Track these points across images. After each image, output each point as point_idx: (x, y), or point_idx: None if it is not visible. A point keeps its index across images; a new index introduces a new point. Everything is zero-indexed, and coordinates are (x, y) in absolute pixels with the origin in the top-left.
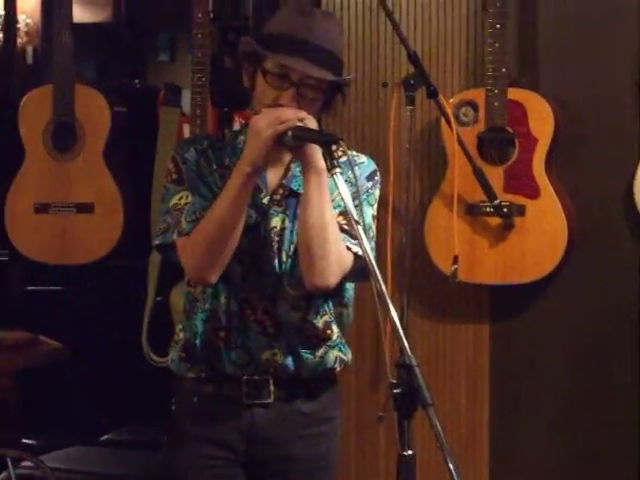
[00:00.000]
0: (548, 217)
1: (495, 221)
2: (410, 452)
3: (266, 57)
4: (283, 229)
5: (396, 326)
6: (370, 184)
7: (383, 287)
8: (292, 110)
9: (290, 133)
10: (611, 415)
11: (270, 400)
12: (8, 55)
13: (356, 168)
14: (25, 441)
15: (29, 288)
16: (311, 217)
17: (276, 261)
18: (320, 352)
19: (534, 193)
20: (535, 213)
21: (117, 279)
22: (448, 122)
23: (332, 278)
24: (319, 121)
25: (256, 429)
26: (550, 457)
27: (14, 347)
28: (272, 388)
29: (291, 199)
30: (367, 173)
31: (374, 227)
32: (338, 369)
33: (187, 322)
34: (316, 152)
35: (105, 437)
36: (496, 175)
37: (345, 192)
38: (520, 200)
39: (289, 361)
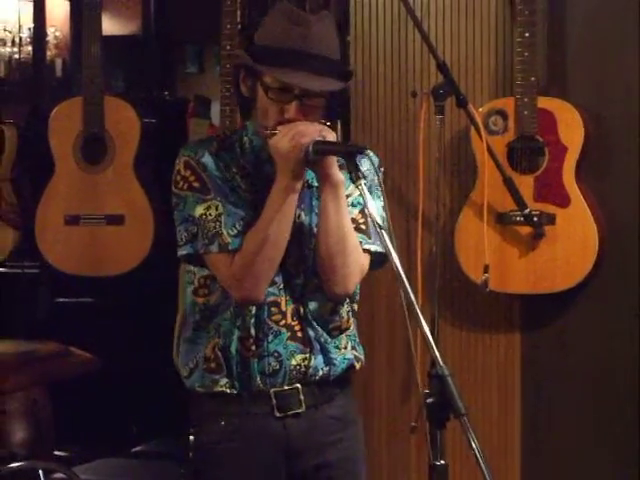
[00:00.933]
0: (578, 226)
1: (525, 230)
2: (442, 462)
3: (262, 72)
4: (301, 223)
5: (427, 336)
6: (376, 178)
7: (412, 297)
8: (309, 125)
9: (311, 148)
10: None
11: (302, 409)
12: (38, 67)
13: (362, 163)
14: (57, 453)
15: (60, 300)
16: (330, 229)
17: (300, 257)
18: (343, 343)
19: (564, 202)
20: (565, 222)
21: (147, 291)
22: (478, 131)
23: (351, 286)
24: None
25: (292, 441)
26: (583, 467)
27: (46, 359)
28: (302, 397)
29: (305, 191)
30: (374, 167)
31: (387, 218)
32: (357, 367)
33: (198, 332)
34: (333, 164)
35: (136, 449)
36: (526, 184)
37: (371, 204)
38: (550, 209)
39: (320, 361)
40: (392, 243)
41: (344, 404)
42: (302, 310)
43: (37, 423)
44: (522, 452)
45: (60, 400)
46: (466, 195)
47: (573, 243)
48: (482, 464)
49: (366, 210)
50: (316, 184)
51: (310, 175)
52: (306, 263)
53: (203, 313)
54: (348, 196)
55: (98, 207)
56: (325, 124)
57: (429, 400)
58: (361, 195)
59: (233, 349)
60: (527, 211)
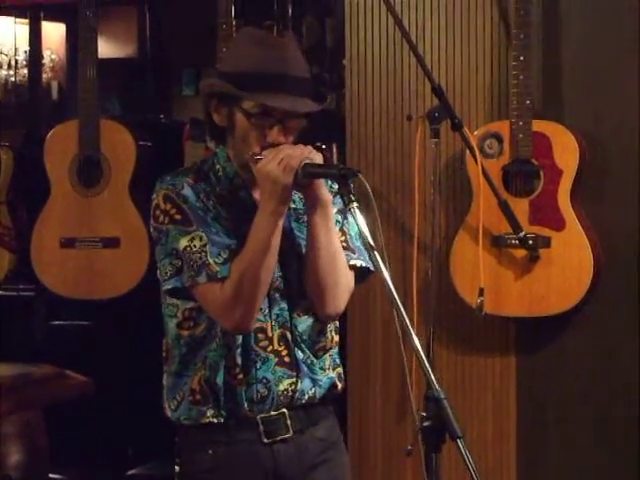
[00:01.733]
0: (574, 249)
1: (521, 253)
2: None
3: (243, 98)
4: (283, 246)
5: (422, 359)
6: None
7: (407, 319)
8: (296, 148)
9: (301, 171)
10: None
11: (289, 434)
12: (33, 90)
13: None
14: (52, 476)
15: (55, 323)
16: (321, 249)
17: (285, 280)
18: (327, 363)
19: (559, 225)
20: (561, 245)
21: (143, 314)
22: (473, 154)
23: (342, 305)
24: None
25: (279, 467)
26: None
27: (41, 382)
28: (289, 422)
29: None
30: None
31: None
32: (339, 386)
33: (185, 366)
34: (322, 185)
35: (131, 472)
36: (521, 207)
37: (364, 226)
38: (545, 232)
39: (306, 384)
40: (385, 265)
41: (329, 425)
42: (289, 334)
43: (32, 446)
44: (518, 476)
45: (55, 423)
46: (461, 218)
47: (568, 266)
48: None
49: (361, 231)
50: (293, 206)
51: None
52: (291, 287)
53: (189, 346)
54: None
55: (94, 230)
56: (320, 147)
57: (425, 423)
58: (338, 212)
59: (220, 380)
60: (522, 234)
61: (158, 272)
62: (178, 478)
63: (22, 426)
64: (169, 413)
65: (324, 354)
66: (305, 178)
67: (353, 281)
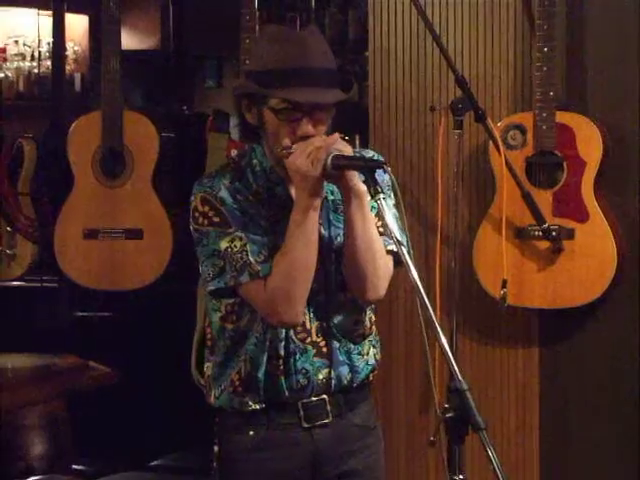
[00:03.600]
0: (597, 241)
1: (544, 245)
2: (461, 477)
3: (269, 96)
4: (322, 238)
5: (446, 350)
6: (388, 190)
7: (430, 310)
8: (325, 139)
9: (330, 162)
10: None
11: (329, 419)
12: (56, 82)
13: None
14: (75, 467)
15: (78, 314)
16: (358, 238)
17: (323, 272)
18: (366, 349)
19: (583, 217)
20: (584, 237)
21: (166, 305)
22: (496, 146)
23: (382, 290)
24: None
25: (319, 451)
26: None
27: (64, 372)
28: (329, 407)
29: (322, 206)
30: (386, 179)
31: (406, 232)
32: (376, 370)
33: (231, 357)
34: (354, 175)
35: (154, 463)
36: (545, 199)
37: (390, 218)
38: (569, 224)
39: (344, 371)
40: (410, 257)
41: (367, 410)
42: (326, 325)
43: (56, 437)
44: (540, 468)
45: (79, 414)
46: (485, 210)
47: (592, 258)
48: (501, 478)
49: (385, 221)
50: (332, 197)
51: (326, 188)
52: (329, 279)
53: (233, 339)
54: None
55: (117, 221)
56: (344, 138)
57: (448, 415)
58: (387, 224)
59: (260, 373)
60: (546, 226)
61: (201, 273)
62: (217, 458)
63: (46, 417)
64: (212, 400)
65: (362, 340)
66: (334, 170)
67: (392, 266)
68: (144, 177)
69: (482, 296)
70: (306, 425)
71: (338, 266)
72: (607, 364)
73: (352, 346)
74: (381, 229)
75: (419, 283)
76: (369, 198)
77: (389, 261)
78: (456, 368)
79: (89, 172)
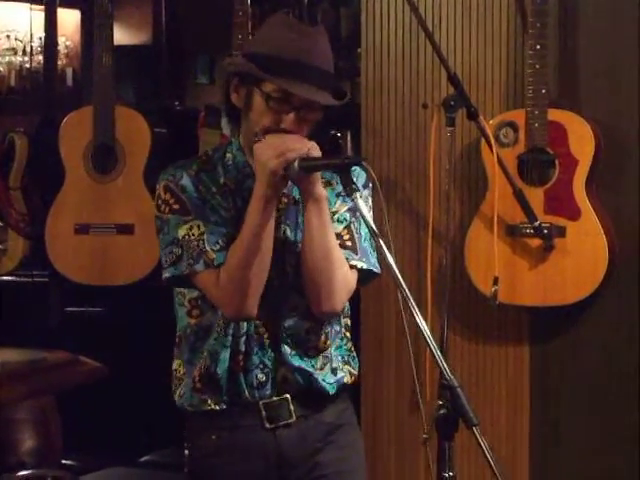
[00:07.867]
0: (588, 238)
1: (535, 242)
2: (451, 474)
3: (265, 80)
4: (286, 239)
5: (431, 345)
6: (367, 192)
7: (418, 316)
8: (297, 140)
9: (297, 164)
10: None
11: (292, 419)
12: (48, 77)
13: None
14: (65, 462)
15: (69, 309)
16: (314, 244)
17: (279, 272)
18: (319, 364)
19: (574, 214)
20: (575, 234)
21: (157, 300)
22: (488, 143)
23: (339, 303)
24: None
25: (283, 452)
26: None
27: (54, 367)
28: (292, 407)
29: (291, 207)
30: (363, 180)
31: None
32: (350, 381)
33: (195, 354)
34: (316, 180)
35: (145, 458)
36: (536, 196)
37: (367, 215)
38: (560, 221)
39: (298, 377)
40: (390, 251)
41: (338, 409)
42: (277, 327)
43: (46, 432)
44: (530, 465)
45: (68, 409)
46: (476, 207)
47: (583, 256)
48: (497, 473)
49: (363, 220)
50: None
51: (297, 191)
52: (286, 279)
53: (197, 334)
54: (335, 212)
55: (108, 216)
56: (335, 135)
57: (440, 412)
58: (348, 211)
59: (220, 369)
60: (537, 223)
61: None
62: (187, 462)
63: (36, 412)
64: (176, 399)
65: (316, 354)
66: (302, 172)
67: (354, 282)
68: (135, 172)
69: (473, 293)
70: (268, 426)
71: (298, 270)
72: (598, 362)
73: (304, 357)
74: (348, 242)
75: (400, 277)
76: (345, 208)
77: (351, 275)
78: (444, 364)
79: (80, 167)
